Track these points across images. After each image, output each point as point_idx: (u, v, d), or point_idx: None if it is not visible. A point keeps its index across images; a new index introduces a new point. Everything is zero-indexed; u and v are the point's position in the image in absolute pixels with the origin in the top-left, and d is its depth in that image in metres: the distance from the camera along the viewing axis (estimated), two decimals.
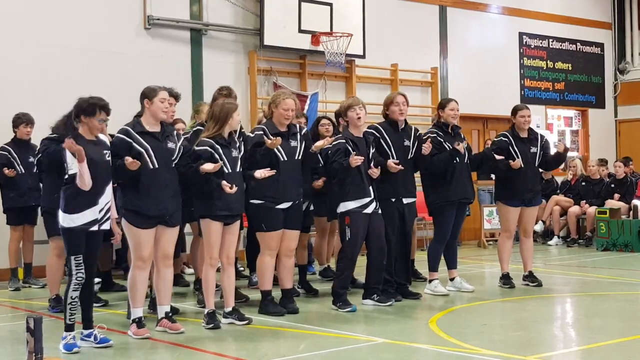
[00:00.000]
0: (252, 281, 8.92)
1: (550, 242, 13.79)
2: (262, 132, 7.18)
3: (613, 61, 17.68)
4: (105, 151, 6.10)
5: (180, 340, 6.31)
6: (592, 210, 13.31)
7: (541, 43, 16.34)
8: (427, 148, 7.88)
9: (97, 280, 7.89)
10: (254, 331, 6.63)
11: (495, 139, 9.06)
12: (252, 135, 7.31)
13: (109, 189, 6.10)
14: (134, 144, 6.34)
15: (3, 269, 9.75)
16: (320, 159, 7.70)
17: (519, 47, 15.97)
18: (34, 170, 9.39)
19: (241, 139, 7.00)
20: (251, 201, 7.16)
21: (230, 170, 6.74)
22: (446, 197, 8.17)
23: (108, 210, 6.09)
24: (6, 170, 9.30)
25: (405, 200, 7.92)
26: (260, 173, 6.94)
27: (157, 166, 6.38)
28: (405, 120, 8.06)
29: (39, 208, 8.38)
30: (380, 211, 7.61)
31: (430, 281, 8.39)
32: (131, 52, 11.17)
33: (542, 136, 9.02)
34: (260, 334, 6.53)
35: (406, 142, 7.98)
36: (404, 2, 14.13)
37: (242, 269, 9.84)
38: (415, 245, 9.52)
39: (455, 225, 8.35)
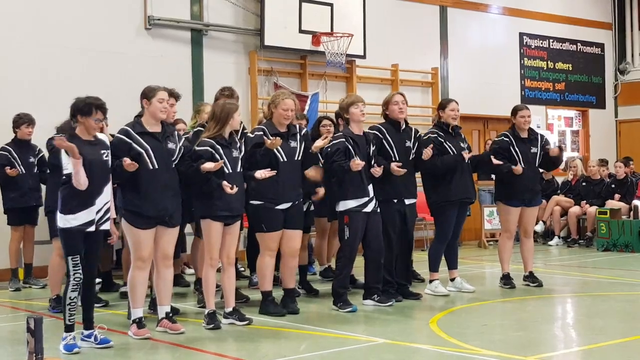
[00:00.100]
0: (252, 281, 8.92)
1: (550, 243, 13.78)
2: (261, 133, 7.17)
3: (613, 61, 17.67)
4: (103, 151, 6.07)
5: (180, 340, 6.30)
6: (592, 210, 13.30)
7: (541, 43, 16.32)
8: (427, 154, 7.88)
9: (97, 280, 7.88)
10: (255, 331, 6.62)
11: (496, 139, 9.06)
12: (251, 135, 7.30)
13: (107, 189, 6.07)
14: (134, 145, 6.33)
15: (3, 270, 9.74)
16: (321, 158, 7.68)
17: (520, 48, 15.96)
18: (35, 171, 9.39)
19: (242, 140, 6.99)
20: (251, 202, 7.16)
21: (230, 171, 6.74)
22: (447, 196, 8.16)
23: (107, 210, 6.07)
24: (8, 170, 9.29)
25: (407, 201, 7.92)
26: (260, 173, 6.94)
27: (156, 167, 6.37)
28: (405, 120, 8.06)
29: (43, 208, 8.37)
30: (379, 210, 7.61)
31: (430, 281, 8.39)
32: (131, 52, 11.15)
33: (542, 136, 9.01)
34: (260, 335, 6.52)
35: (407, 143, 7.99)
36: (404, 2, 14.12)
37: (242, 269, 9.83)
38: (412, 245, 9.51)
39: (457, 225, 8.34)
